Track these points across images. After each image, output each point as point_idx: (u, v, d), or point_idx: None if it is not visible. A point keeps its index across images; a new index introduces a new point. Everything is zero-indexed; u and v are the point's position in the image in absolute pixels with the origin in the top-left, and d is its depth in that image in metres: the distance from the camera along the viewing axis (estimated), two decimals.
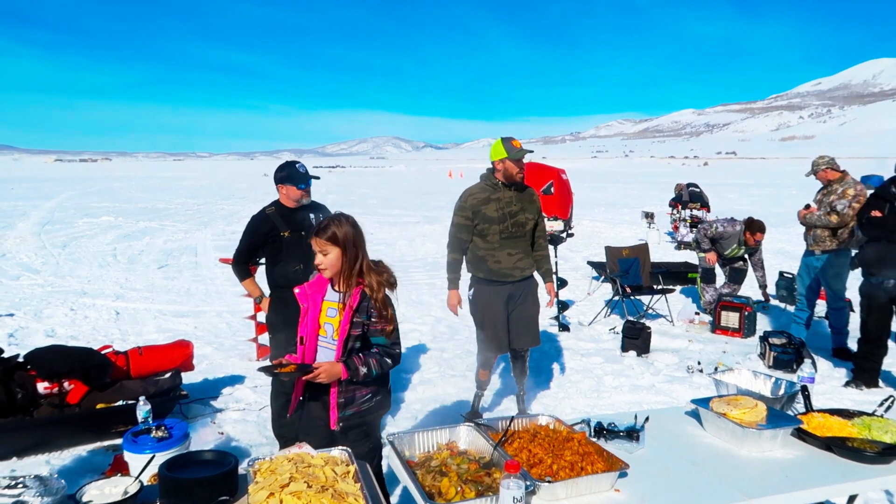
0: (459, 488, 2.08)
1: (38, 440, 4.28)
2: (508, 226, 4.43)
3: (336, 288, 2.83)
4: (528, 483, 1.97)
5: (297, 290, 2.92)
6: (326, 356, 2.82)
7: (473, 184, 4.62)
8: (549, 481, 2.05)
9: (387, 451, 2.34)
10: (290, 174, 4.08)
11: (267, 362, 5.17)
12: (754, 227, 7.81)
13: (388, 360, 2.80)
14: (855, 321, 5.88)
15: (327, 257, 2.75)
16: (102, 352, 4.87)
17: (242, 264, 4.30)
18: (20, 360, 4.57)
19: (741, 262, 8.13)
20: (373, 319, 2.76)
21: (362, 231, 2.86)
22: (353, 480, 2.11)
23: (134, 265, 11.85)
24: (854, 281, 5.90)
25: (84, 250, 13.39)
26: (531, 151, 4.58)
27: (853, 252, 6.26)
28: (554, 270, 5.37)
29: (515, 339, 4.67)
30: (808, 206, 6.37)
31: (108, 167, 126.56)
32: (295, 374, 2.72)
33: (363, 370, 2.73)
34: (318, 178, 4.38)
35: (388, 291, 2.80)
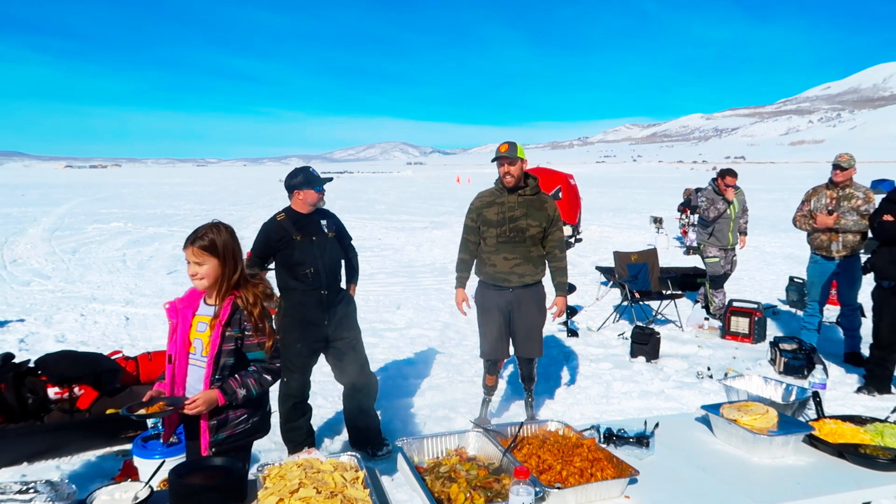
0: (469, 494, 2.07)
1: (49, 445, 4.30)
2: (506, 230, 4.40)
3: (209, 301, 2.66)
4: (537, 489, 1.96)
5: (166, 306, 2.71)
6: (197, 374, 2.63)
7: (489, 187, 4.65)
8: (558, 487, 2.05)
9: (396, 457, 2.34)
10: (308, 178, 4.10)
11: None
12: (722, 174, 7.96)
13: (268, 377, 2.63)
14: (867, 326, 5.84)
15: (203, 268, 2.58)
16: (112, 357, 4.89)
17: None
18: (31, 365, 4.60)
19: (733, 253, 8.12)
20: (247, 333, 2.59)
21: (239, 241, 2.73)
22: (362, 486, 2.10)
23: (143, 271, 11.91)
24: (865, 286, 5.86)
25: (94, 256, 13.47)
26: (508, 157, 4.32)
27: (863, 258, 6.21)
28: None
29: (517, 347, 4.66)
30: (831, 213, 6.12)
31: (118, 173, 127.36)
32: (166, 412, 2.51)
33: (241, 392, 2.56)
34: (331, 179, 4.39)
35: (266, 304, 2.67)
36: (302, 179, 4.11)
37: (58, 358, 4.67)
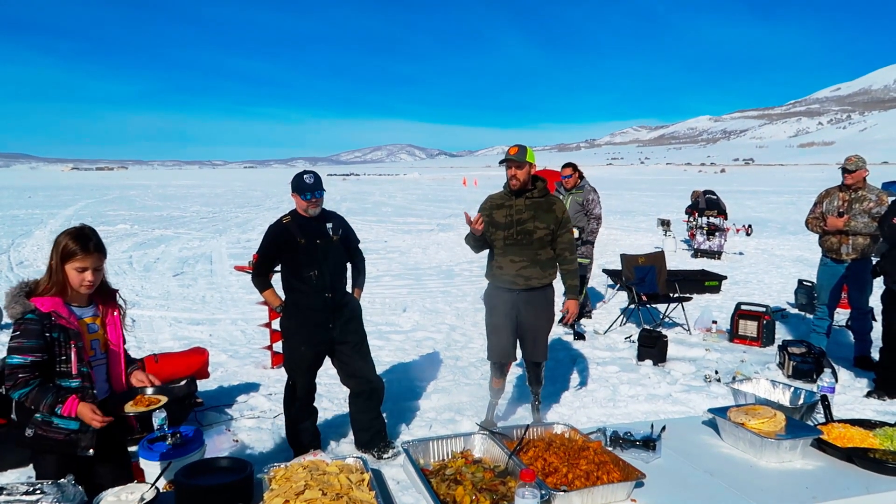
0: (474, 497, 2.07)
1: None
2: (514, 233, 4.39)
3: (82, 303, 2.67)
4: (543, 492, 1.95)
5: (56, 322, 2.54)
6: (100, 373, 2.69)
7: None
8: (564, 490, 2.04)
9: (400, 459, 2.33)
10: (295, 184, 4.12)
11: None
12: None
13: None
14: (878, 330, 5.79)
15: (100, 272, 2.65)
16: None
17: (262, 276, 4.33)
18: None
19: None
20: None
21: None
22: (368, 488, 2.10)
23: (149, 273, 11.95)
24: (876, 289, 5.82)
25: None
26: (516, 160, 4.32)
27: (873, 260, 6.16)
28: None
29: (524, 351, 4.65)
30: (841, 215, 6.07)
31: (125, 175, 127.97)
32: (161, 404, 2.64)
33: None
34: (322, 190, 4.29)
35: None
36: (293, 185, 4.13)
37: None
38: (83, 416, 2.50)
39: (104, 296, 2.74)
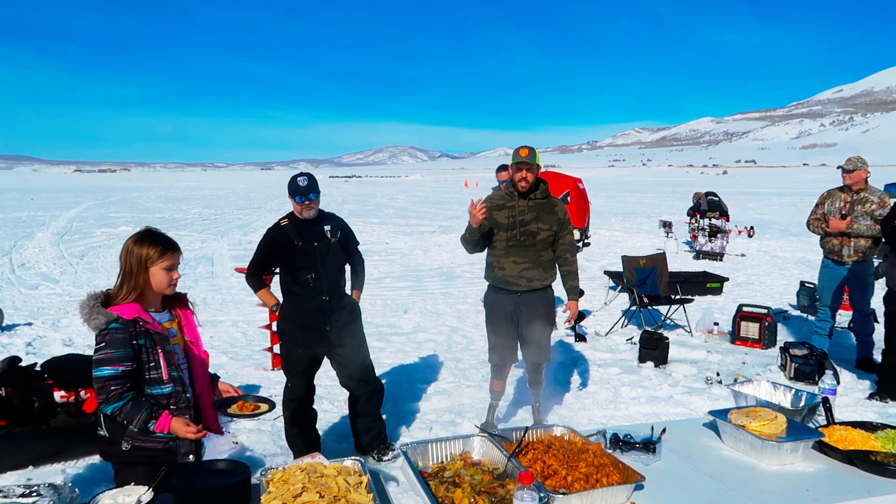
0: (472, 500, 2.05)
1: (55, 449, 4.31)
2: (517, 234, 4.38)
3: (159, 308, 2.66)
4: (542, 495, 1.94)
5: (142, 329, 2.50)
6: (183, 380, 2.66)
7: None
8: (563, 493, 2.02)
9: (400, 462, 2.32)
10: (290, 188, 4.08)
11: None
12: None
13: None
14: (880, 332, 5.77)
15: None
16: None
17: (256, 276, 4.32)
18: (37, 369, 4.61)
19: None
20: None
21: None
22: (366, 491, 2.09)
23: None
24: (879, 291, 5.80)
25: (102, 260, 13.54)
26: (528, 163, 4.32)
27: (875, 262, 6.14)
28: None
29: (525, 353, 4.64)
30: (843, 217, 6.03)
31: (127, 177, 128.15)
32: (260, 413, 2.66)
33: None
34: (316, 191, 4.25)
35: None
36: (288, 188, 4.10)
37: (64, 362, 4.68)
38: (177, 431, 2.48)
39: (173, 299, 2.73)
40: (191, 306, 2.80)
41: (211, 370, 2.97)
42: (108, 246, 15.85)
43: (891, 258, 5.24)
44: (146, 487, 2.07)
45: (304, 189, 4.03)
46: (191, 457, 2.62)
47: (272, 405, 2.72)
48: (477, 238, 4.38)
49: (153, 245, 2.53)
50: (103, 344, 2.44)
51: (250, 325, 7.94)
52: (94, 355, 2.46)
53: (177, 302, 2.75)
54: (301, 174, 4.11)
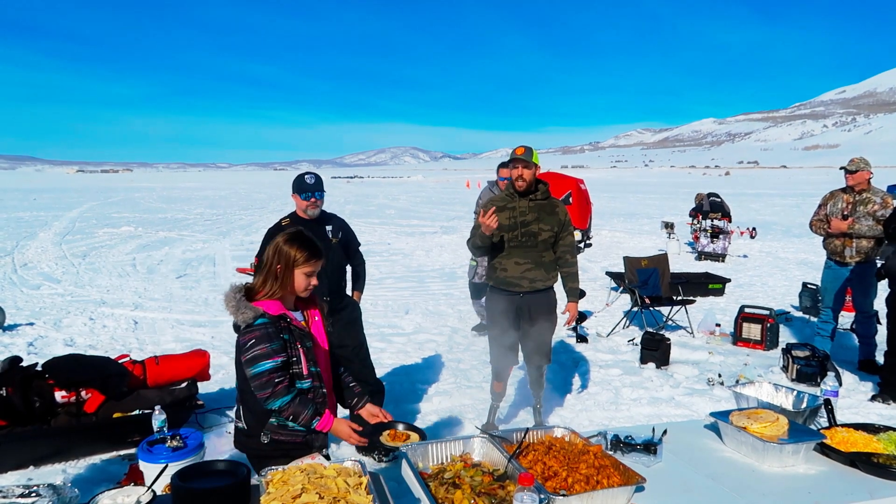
0: (472, 501, 2.05)
1: (55, 449, 4.30)
2: (518, 234, 4.37)
3: (294, 307, 2.68)
4: (542, 496, 1.93)
5: (287, 325, 2.53)
6: (321, 375, 2.70)
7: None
8: (563, 495, 2.02)
9: (400, 463, 2.32)
10: (296, 185, 4.14)
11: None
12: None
13: None
14: (882, 333, 5.76)
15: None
16: (119, 361, 4.90)
17: None
18: (38, 368, 4.61)
19: None
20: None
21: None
22: (365, 492, 2.08)
23: (153, 275, 11.96)
24: (881, 292, 5.78)
25: (104, 260, 13.55)
26: (524, 160, 4.31)
27: (878, 263, 6.12)
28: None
29: (526, 354, 4.63)
30: (845, 218, 6.01)
31: (130, 178, 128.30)
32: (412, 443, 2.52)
33: None
34: (322, 191, 4.29)
35: None
36: (294, 185, 4.15)
37: (65, 361, 4.68)
38: (339, 433, 2.53)
39: (305, 299, 2.73)
40: (321, 307, 2.81)
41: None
42: (110, 246, 15.87)
43: (894, 259, 5.22)
44: (146, 487, 2.07)
45: (311, 186, 4.07)
46: (325, 450, 2.67)
47: (423, 435, 2.66)
48: (488, 244, 4.39)
49: (302, 249, 2.55)
50: (254, 340, 2.46)
51: None
52: (245, 353, 2.47)
53: (307, 301, 2.76)
54: (308, 172, 4.17)
